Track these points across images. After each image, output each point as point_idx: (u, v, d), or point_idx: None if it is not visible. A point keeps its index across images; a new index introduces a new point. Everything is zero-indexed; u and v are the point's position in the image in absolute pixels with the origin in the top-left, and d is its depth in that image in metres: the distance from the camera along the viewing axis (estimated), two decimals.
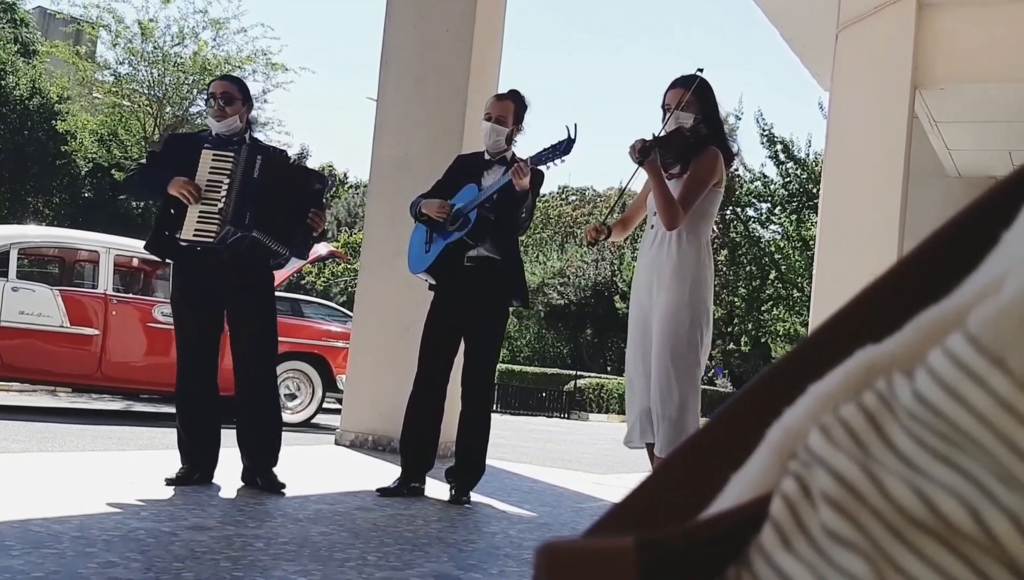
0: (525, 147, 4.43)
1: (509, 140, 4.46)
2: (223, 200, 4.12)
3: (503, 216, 4.30)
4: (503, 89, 4.90)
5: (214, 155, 4.19)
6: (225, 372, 4.36)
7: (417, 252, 4.52)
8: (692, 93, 3.97)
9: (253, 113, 4.52)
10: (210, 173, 4.17)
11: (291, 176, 4.35)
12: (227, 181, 4.15)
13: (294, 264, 4.47)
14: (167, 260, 4.47)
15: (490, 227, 4.32)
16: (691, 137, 3.95)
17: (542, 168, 4.25)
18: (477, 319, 4.39)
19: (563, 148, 4.13)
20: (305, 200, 4.28)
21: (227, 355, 4.41)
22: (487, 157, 4.48)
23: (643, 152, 3.84)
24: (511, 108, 4.45)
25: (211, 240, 4.12)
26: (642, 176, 4.01)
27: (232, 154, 4.19)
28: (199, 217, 4.12)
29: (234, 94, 4.33)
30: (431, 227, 4.45)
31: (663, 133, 3.94)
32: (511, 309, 4.68)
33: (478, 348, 4.43)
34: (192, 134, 4.64)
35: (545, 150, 4.20)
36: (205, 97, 4.46)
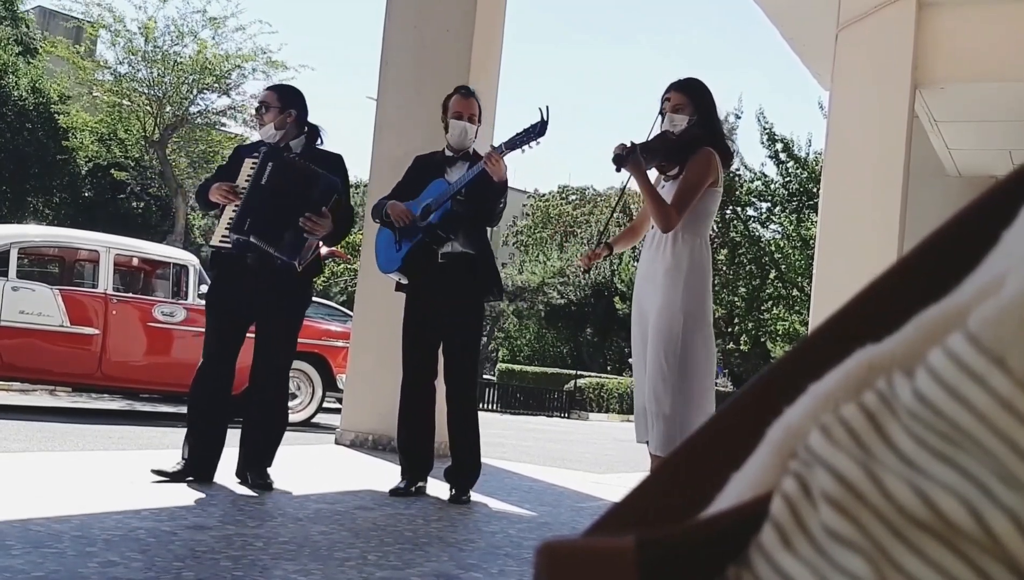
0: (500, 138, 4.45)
1: (475, 136, 4.50)
2: None
3: (475, 209, 4.29)
4: (450, 85, 4.87)
5: (252, 163, 4.31)
6: (240, 371, 4.40)
7: (387, 251, 4.49)
8: (686, 94, 3.99)
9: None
10: (244, 180, 4.29)
11: (296, 180, 4.32)
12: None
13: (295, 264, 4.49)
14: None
15: (462, 221, 4.31)
16: (679, 139, 3.94)
17: (517, 153, 4.25)
18: (452, 316, 4.36)
19: (537, 131, 4.14)
20: (303, 204, 4.25)
21: (245, 355, 4.43)
22: (448, 154, 4.48)
23: (616, 159, 3.86)
24: (476, 106, 4.49)
25: (229, 245, 4.23)
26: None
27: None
28: (227, 224, 4.22)
29: (271, 102, 4.40)
30: (398, 229, 4.43)
31: (648, 138, 3.96)
32: (510, 308, 4.70)
33: (456, 346, 4.40)
34: (253, 144, 4.74)
35: (519, 134, 4.20)
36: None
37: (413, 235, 4.36)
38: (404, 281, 4.47)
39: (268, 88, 4.59)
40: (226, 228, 4.23)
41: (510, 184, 4.36)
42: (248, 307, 4.31)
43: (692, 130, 3.95)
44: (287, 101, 4.42)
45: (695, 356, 3.86)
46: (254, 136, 4.58)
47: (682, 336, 3.83)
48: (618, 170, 3.87)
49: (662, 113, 4.02)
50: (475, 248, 4.36)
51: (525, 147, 4.20)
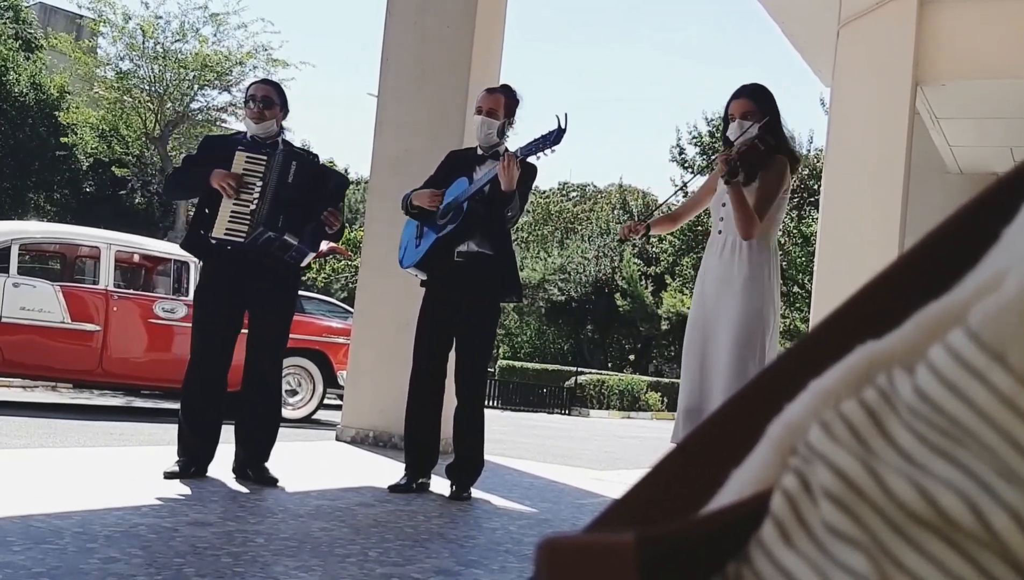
0: (518, 142, 4.45)
1: (501, 133, 4.45)
2: (255, 201, 4.22)
3: (494, 210, 4.29)
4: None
5: (247, 157, 4.29)
6: (232, 369, 4.39)
7: (408, 247, 4.52)
8: (753, 101, 4.08)
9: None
10: (243, 174, 4.27)
11: (314, 176, 4.40)
12: (260, 183, 4.26)
13: (308, 257, 4.52)
14: (201, 259, 4.56)
15: (481, 221, 4.31)
16: (764, 149, 4.02)
17: (532, 159, 4.24)
18: (468, 315, 4.37)
19: (554, 138, 4.13)
20: (323, 198, 4.34)
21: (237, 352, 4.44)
22: (479, 152, 4.48)
23: (731, 172, 3.93)
24: (502, 101, 4.45)
25: (241, 240, 4.21)
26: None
27: (265, 157, 4.29)
28: (231, 216, 4.20)
29: (273, 99, 4.42)
30: (422, 221, 4.45)
31: (740, 149, 3.98)
32: (511, 305, 4.72)
33: (470, 345, 4.41)
34: (226, 135, 4.74)
35: (536, 141, 4.19)
36: (244, 98, 4.53)
37: (433, 233, 4.37)
38: (423, 277, 4.49)
39: (268, 83, 4.58)
40: (245, 221, 4.21)
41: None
42: (250, 301, 4.32)
43: (767, 139, 4.02)
44: (284, 100, 4.49)
45: (763, 365, 4.00)
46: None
47: (758, 346, 3.94)
48: (727, 182, 3.95)
49: (730, 118, 4.11)
50: (493, 249, 4.36)
51: (541, 154, 4.19)
